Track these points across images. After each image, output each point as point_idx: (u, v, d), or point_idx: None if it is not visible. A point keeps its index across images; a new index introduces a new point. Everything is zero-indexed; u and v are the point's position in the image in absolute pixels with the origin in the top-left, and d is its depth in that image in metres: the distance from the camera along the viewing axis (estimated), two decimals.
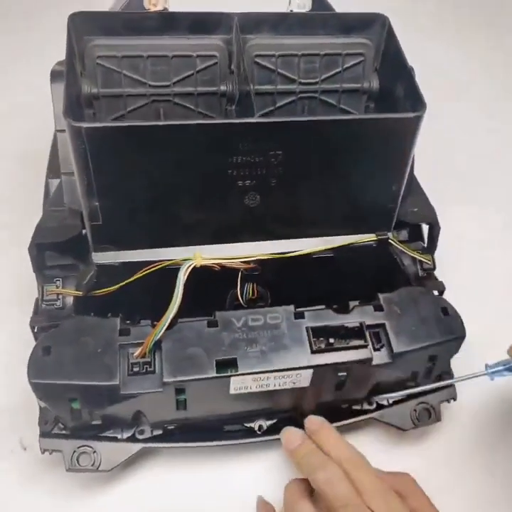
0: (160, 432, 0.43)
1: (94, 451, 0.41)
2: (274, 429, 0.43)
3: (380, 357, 0.41)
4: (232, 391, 0.40)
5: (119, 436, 0.42)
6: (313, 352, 0.40)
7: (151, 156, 0.36)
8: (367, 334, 0.41)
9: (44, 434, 0.40)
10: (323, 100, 0.46)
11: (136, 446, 0.42)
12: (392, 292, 0.44)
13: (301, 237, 0.44)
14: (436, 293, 0.46)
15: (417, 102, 0.38)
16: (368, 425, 0.46)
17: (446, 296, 0.46)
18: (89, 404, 0.39)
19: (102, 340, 0.39)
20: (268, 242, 0.43)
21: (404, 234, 0.49)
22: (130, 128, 0.34)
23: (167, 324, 0.38)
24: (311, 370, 0.40)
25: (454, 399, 0.46)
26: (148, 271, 0.41)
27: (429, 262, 0.46)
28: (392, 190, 0.41)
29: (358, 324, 0.42)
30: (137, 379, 0.39)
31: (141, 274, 0.41)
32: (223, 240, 0.42)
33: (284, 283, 0.44)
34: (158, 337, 0.39)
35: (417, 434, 0.46)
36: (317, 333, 0.41)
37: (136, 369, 0.39)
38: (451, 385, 0.46)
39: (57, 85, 0.39)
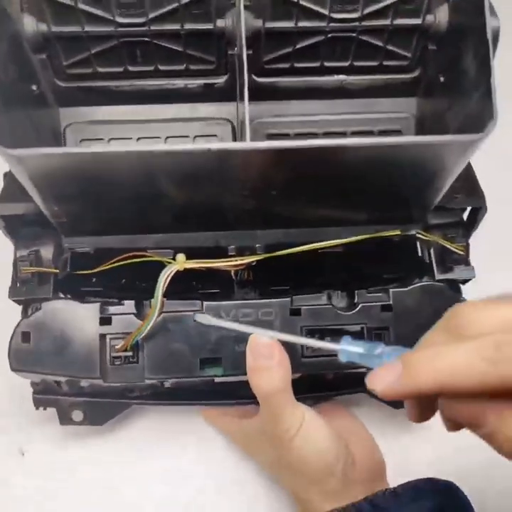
0: (149, 392, 0.44)
1: (86, 408, 0.43)
2: None
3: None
4: (217, 380, 0.39)
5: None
6: (304, 357, 0.37)
7: (125, 180, 0.28)
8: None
9: (37, 392, 0.42)
10: (363, 41, 0.33)
11: (126, 405, 0.43)
12: (406, 287, 0.38)
13: (310, 227, 0.36)
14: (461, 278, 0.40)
15: (485, 113, 0.27)
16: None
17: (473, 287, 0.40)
18: (74, 386, 0.39)
19: (82, 330, 0.37)
20: (269, 230, 0.37)
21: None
22: (98, 155, 0.26)
23: (148, 328, 0.36)
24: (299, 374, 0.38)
25: None
26: (124, 262, 0.36)
27: (462, 252, 0.39)
28: (429, 200, 0.33)
29: (358, 329, 0.38)
30: (120, 370, 0.38)
31: (117, 264, 0.36)
32: (212, 228, 0.36)
33: (281, 276, 0.38)
34: (138, 338, 0.36)
35: None
36: (313, 332, 0.38)
37: (117, 362, 0.37)
38: None
39: None
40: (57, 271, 0.38)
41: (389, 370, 0.24)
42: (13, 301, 0.39)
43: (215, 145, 0.25)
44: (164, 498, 0.43)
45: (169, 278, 0.35)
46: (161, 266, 0.37)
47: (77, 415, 0.43)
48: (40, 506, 0.42)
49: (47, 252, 0.39)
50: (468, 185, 0.37)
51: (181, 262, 0.34)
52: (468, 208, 0.39)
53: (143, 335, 0.36)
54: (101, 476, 0.43)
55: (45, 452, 0.43)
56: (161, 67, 0.33)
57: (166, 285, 0.34)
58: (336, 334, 0.37)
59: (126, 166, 0.27)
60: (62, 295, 0.38)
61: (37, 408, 0.42)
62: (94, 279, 0.40)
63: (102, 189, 0.30)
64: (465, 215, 0.41)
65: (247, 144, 0.25)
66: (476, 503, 0.35)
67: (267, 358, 0.33)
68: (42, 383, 0.41)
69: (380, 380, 0.24)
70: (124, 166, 0.27)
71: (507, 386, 0.20)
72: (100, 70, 0.33)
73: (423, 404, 0.27)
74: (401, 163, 0.29)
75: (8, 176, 0.39)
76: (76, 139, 0.35)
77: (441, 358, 0.22)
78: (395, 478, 0.38)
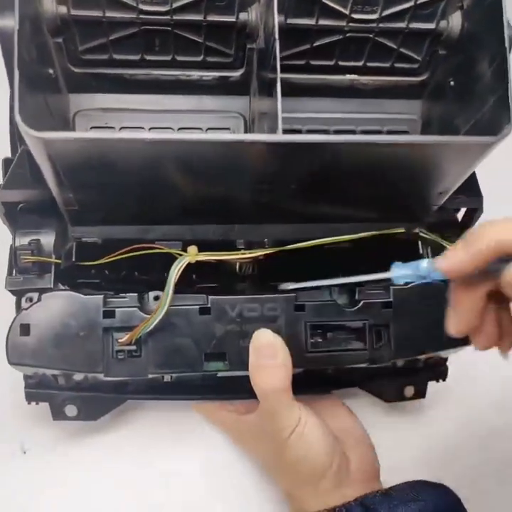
0: (145, 386, 0.43)
1: (80, 403, 0.42)
2: None
3: (377, 357, 0.39)
4: (220, 375, 0.39)
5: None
6: (308, 352, 0.38)
7: (141, 169, 0.27)
8: (367, 337, 0.38)
9: (29, 386, 0.41)
10: (378, 42, 0.34)
11: (122, 400, 0.42)
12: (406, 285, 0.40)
13: (318, 222, 0.37)
14: None
15: (501, 117, 0.28)
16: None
17: None
18: (70, 380, 0.38)
19: (85, 322, 0.36)
20: (278, 225, 0.37)
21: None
22: (114, 141, 0.25)
23: (157, 322, 0.35)
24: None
25: (443, 379, 0.45)
26: (133, 253, 0.35)
27: None
28: (436, 200, 0.34)
29: (360, 325, 0.39)
30: (122, 364, 0.37)
31: (126, 255, 0.36)
32: (221, 221, 0.36)
33: (287, 271, 0.39)
34: (145, 332, 0.36)
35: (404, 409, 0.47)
36: (317, 328, 0.38)
37: (120, 356, 0.37)
38: (443, 365, 0.45)
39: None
40: (60, 261, 0.37)
41: (451, 250, 0.27)
42: (10, 291, 0.38)
43: (250, 136, 0.25)
44: (162, 495, 0.42)
45: (181, 271, 0.34)
46: (165, 258, 0.37)
47: (71, 410, 0.42)
48: (40, 505, 0.41)
49: (48, 241, 0.38)
50: (470, 186, 0.38)
51: (193, 255, 0.34)
52: (464, 209, 0.41)
53: (150, 328, 0.35)
54: (102, 474, 0.42)
55: (46, 451, 0.42)
56: (178, 58, 0.33)
57: (177, 278, 0.34)
58: (340, 329, 0.38)
59: (144, 155, 0.27)
60: (61, 286, 0.37)
61: (29, 402, 0.41)
62: (96, 271, 0.39)
63: (117, 177, 0.29)
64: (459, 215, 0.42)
65: (280, 137, 0.25)
66: (471, 503, 0.35)
67: (270, 358, 0.34)
68: (35, 377, 0.40)
69: (446, 259, 0.28)
70: (143, 154, 0.27)
71: None
72: (116, 57, 0.33)
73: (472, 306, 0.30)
74: (417, 162, 0.30)
75: (14, 162, 0.37)
76: (86, 126, 0.35)
77: (496, 223, 0.26)
78: (387, 472, 0.40)
